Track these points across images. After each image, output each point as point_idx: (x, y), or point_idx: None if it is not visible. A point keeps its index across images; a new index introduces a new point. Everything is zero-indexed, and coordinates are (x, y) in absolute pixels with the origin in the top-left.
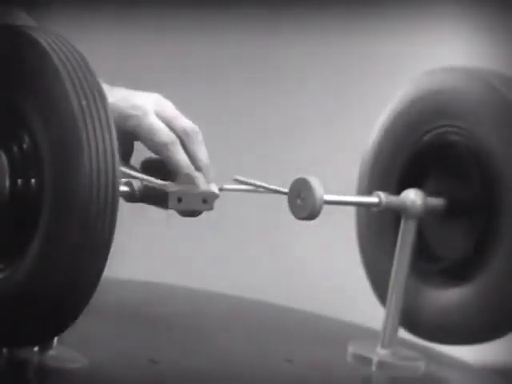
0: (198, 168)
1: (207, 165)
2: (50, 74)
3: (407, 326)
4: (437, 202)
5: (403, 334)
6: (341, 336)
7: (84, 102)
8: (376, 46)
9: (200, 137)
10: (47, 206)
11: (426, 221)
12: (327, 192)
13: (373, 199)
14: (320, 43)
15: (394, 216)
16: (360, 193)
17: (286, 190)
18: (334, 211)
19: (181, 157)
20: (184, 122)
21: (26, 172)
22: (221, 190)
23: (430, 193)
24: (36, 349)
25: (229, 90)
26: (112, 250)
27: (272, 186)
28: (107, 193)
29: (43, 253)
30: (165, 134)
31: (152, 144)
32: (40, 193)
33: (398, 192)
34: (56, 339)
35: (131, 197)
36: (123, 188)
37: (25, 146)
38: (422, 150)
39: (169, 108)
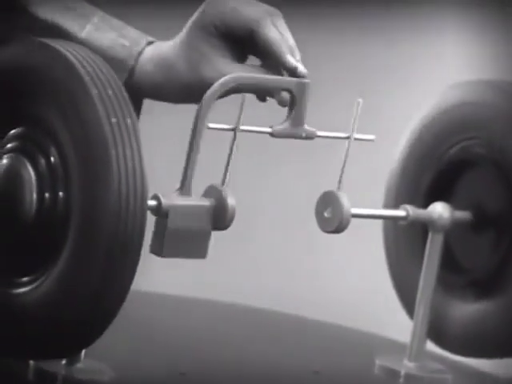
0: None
1: (295, 46)
2: (78, 89)
3: (434, 339)
4: (464, 215)
5: (431, 346)
6: (368, 348)
7: (114, 120)
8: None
9: (285, 24)
10: (75, 220)
11: (453, 234)
12: (354, 205)
13: (400, 213)
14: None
15: (422, 229)
16: (387, 206)
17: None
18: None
19: (273, 33)
20: (266, 5)
21: (54, 186)
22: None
23: (456, 206)
24: (64, 361)
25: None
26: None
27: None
28: (136, 207)
29: (71, 267)
30: (252, 9)
31: (241, 23)
32: (68, 207)
33: (425, 205)
34: (83, 352)
35: (159, 211)
36: (151, 202)
37: (53, 160)
38: (448, 163)
39: None
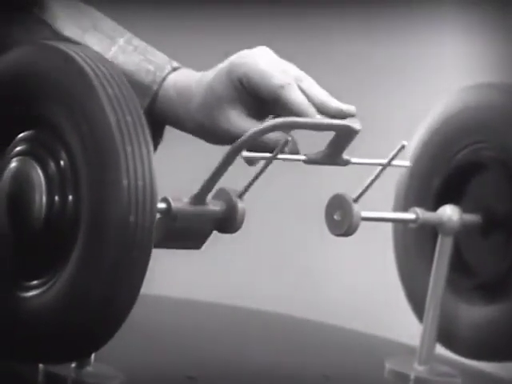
0: (317, 104)
1: (328, 96)
2: (86, 91)
3: (444, 342)
4: (473, 217)
5: (440, 350)
6: (378, 352)
7: (123, 122)
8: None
9: (314, 82)
10: (84, 223)
11: (462, 237)
12: (364, 208)
13: (410, 215)
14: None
15: (431, 232)
16: (397, 209)
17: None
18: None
19: (299, 97)
20: (296, 70)
21: (63, 189)
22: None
23: (466, 209)
24: (73, 365)
25: None
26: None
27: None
28: (145, 209)
29: (81, 269)
30: (280, 75)
31: (267, 86)
32: (77, 210)
33: (434, 208)
34: (93, 355)
35: (168, 213)
36: (161, 205)
37: (62, 162)
38: (457, 166)
39: (277, 57)
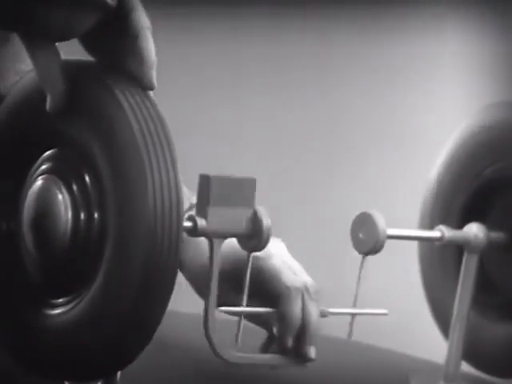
0: (305, 322)
1: (315, 324)
2: (113, 109)
3: (470, 360)
4: (499, 236)
5: (466, 367)
6: (403, 369)
7: (149, 140)
8: None
9: (317, 297)
10: (110, 241)
11: (488, 255)
12: (390, 226)
13: (435, 233)
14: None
15: (456, 250)
16: (422, 227)
17: None
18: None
19: (296, 308)
20: (306, 277)
21: (89, 207)
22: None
23: (492, 227)
24: (99, 383)
25: (284, 115)
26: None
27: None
28: (171, 228)
29: (107, 287)
30: (291, 278)
31: (275, 284)
32: (103, 228)
33: (460, 226)
34: (119, 374)
35: (194, 232)
36: (186, 223)
37: (87, 181)
38: (483, 184)
39: (292, 260)
